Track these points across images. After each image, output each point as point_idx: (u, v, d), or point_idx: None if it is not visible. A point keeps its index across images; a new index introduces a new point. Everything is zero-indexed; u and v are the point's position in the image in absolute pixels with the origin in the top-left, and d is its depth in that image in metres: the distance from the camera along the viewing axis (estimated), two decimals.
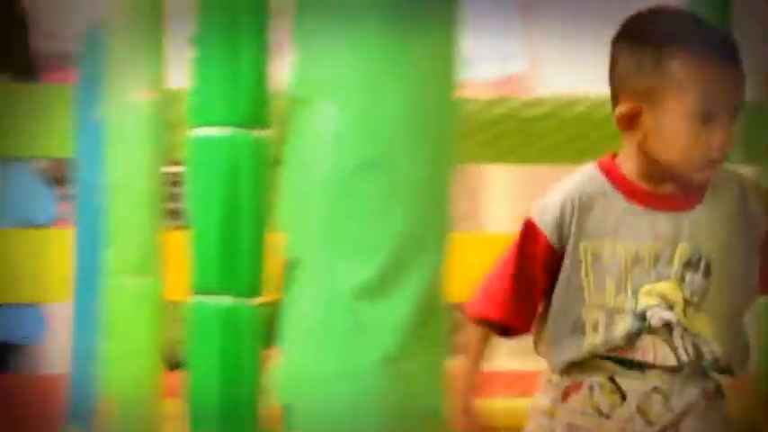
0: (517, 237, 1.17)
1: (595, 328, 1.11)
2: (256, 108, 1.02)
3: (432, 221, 0.98)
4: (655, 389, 1.11)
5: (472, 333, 1.22)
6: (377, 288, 0.93)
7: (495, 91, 3.74)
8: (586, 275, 1.12)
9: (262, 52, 1.03)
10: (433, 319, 0.97)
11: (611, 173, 1.14)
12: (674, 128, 1.08)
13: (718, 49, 1.11)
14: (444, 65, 0.99)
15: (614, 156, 1.16)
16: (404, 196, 0.94)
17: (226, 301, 1.00)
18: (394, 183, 0.93)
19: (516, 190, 4.02)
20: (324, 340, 0.94)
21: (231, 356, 0.99)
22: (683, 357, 1.10)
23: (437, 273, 0.97)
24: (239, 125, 1.01)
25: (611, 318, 1.11)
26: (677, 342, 1.10)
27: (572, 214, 1.12)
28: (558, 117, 2.48)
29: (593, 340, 1.11)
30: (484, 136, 2.53)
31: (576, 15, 3.61)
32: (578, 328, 1.12)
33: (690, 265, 1.11)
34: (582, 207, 1.12)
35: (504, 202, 4.10)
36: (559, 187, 1.17)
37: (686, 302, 1.10)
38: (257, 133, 1.03)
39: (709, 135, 1.07)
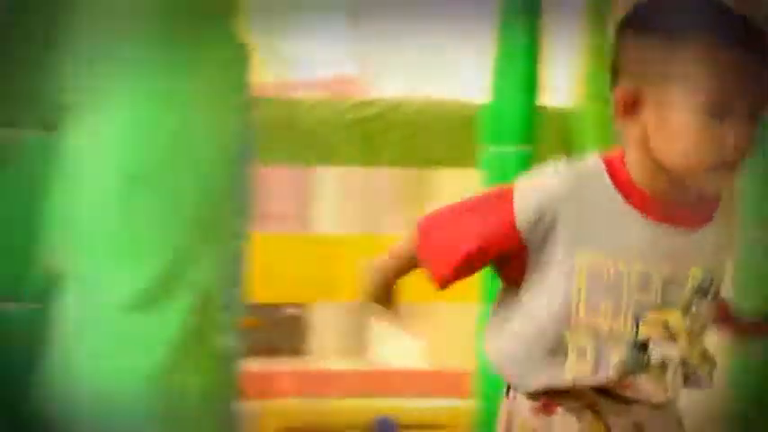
0: (489, 201, 1.04)
1: (582, 355, 0.97)
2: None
3: (210, 232, 0.96)
4: (636, 423, 1.02)
5: (408, 241, 1.08)
6: (149, 300, 0.93)
7: (326, 92, 3.81)
8: (578, 291, 0.97)
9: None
10: (209, 332, 0.97)
11: (617, 174, 0.98)
12: (681, 121, 0.93)
13: (739, 35, 0.95)
14: (230, 70, 0.96)
15: (623, 153, 0.99)
16: (179, 208, 0.93)
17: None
18: (168, 195, 0.91)
19: (345, 191, 4.09)
20: (93, 351, 0.93)
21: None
22: (672, 394, 1.01)
23: (214, 284, 0.96)
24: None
25: (604, 345, 0.97)
26: (670, 378, 0.99)
27: (560, 213, 0.97)
28: (386, 119, 2.56)
29: (578, 369, 0.97)
30: (312, 137, 2.54)
31: (404, 18, 3.74)
32: (559, 351, 0.98)
33: (700, 291, 0.99)
34: (579, 209, 0.97)
35: (332, 203, 4.16)
36: (555, 173, 0.99)
37: (688, 334, 0.99)
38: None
39: (722, 133, 0.92)
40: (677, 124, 0.93)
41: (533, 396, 1.01)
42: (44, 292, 0.98)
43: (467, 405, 2.30)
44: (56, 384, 0.96)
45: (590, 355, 0.97)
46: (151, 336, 0.94)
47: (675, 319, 0.97)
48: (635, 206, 0.97)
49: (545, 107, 2.30)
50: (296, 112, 2.59)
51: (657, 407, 1.01)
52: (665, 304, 0.97)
